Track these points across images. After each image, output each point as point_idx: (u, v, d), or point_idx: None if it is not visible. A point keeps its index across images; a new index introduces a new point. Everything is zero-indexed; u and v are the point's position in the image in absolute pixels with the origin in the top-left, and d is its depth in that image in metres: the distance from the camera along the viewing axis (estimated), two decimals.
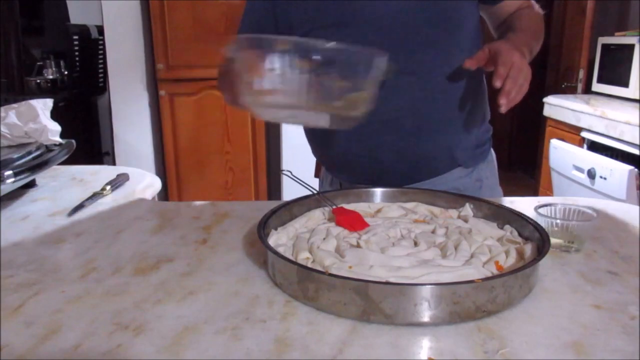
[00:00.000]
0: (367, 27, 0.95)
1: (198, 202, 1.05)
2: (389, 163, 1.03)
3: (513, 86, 0.82)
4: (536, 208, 0.83)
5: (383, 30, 0.95)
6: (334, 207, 0.86)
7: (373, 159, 1.03)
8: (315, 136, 1.14)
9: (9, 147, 1.12)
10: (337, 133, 1.04)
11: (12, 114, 1.12)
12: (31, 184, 1.15)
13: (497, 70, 0.82)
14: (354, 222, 0.82)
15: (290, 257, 0.70)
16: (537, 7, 1.09)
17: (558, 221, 0.81)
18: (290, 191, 3.02)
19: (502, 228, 0.82)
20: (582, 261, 0.77)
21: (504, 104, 0.82)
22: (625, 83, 2.73)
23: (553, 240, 0.79)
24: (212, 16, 2.84)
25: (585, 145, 2.57)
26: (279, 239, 0.77)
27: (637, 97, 2.64)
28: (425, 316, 0.59)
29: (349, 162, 1.08)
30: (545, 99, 2.95)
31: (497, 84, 0.82)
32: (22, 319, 0.62)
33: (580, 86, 3.22)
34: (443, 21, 0.96)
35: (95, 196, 1.07)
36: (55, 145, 1.15)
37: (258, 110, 0.79)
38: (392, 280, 0.63)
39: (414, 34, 0.95)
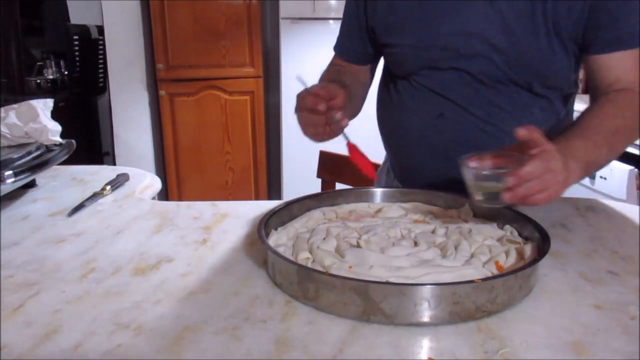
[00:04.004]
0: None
1: (198, 202, 1.05)
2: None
3: (520, 194, 0.70)
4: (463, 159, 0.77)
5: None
6: (349, 141, 0.82)
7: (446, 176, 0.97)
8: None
9: (9, 147, 1.11)
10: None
11: (12, 114, 1.12)
12: (31, 184, 1.15)
13: (519, 172, 0.70)
14: (367, 168, 0.80)
15: (290, 257, 0.70)
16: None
17: (486, 172, 0.76)
18: (290, 191, 3.02)
19: (502, 228, 0.82)
20: (582, 261, 0.77)
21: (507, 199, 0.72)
22: None
23: (480, 194, 0.76)
24: (212, 16, 2.84)
25: None
26: (279, 239, 0.77)
27: None
28: (425, 316, 0.59)
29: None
30: None
31: (509, 182, 0.70)
32: (22, 319, 0.62)
33: (580, 86, 3.22)
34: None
35: (95, 196, 1.06)
36: (55, 145, 1.15)
37: None
38: (392, 280, 0.63)
39: None
